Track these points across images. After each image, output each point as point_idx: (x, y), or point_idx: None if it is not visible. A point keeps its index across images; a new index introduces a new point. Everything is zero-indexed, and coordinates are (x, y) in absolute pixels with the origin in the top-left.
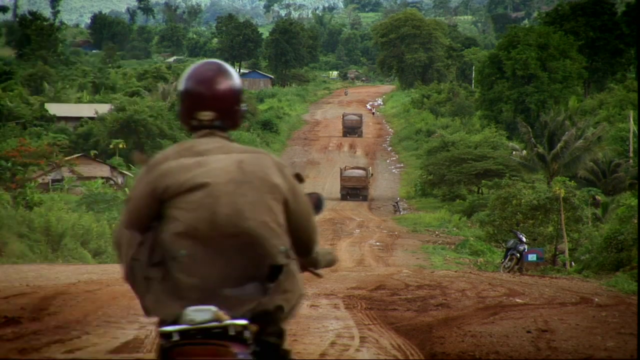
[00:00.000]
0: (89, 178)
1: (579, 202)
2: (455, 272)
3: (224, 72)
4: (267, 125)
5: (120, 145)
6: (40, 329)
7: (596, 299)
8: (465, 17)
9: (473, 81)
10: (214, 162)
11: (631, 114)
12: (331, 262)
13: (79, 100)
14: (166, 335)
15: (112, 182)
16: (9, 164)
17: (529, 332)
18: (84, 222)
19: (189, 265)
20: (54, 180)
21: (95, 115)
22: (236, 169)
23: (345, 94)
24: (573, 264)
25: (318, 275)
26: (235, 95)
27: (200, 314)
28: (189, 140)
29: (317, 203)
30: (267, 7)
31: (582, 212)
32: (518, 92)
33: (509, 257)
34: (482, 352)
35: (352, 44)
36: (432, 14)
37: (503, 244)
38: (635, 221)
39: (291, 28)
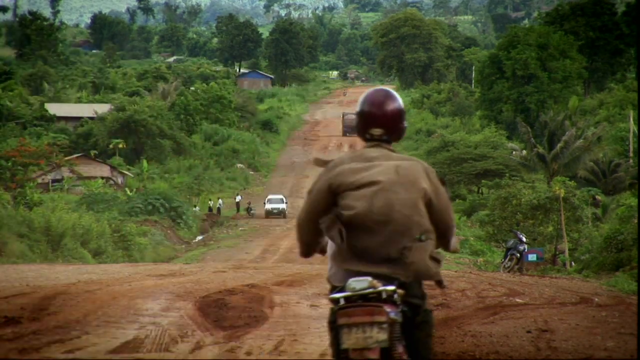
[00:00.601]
0: (89, 178)
1: (579, 202)
2: (455, 272)
3: (391, 97)
4: (267, 125)
5: (120, 145)
6: (40, 328)
7: (596, 299)
8: (465, 17)
9: (473, 81)
10: (377, 166)
11: (631, 113)
12: (456, 250)
13: (79, 100)
14: (334, 301)
15: (112, 182)
16: (9, 164)
17: (529, 332)
18: (84, 222)
19: (352, 244)
20: (54, 180)
21: (95, 115)
22: (394, 172)
23: (344, 95)
24: (573, 263)
25: (451, 252)
26: (400, 115)
27: (359, 283)
28: (361, 149)
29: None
30: (267, 7)
31: (582, 212)
32: (518, 92)
33: (509, 257)
34: (482, 352)
35: (352, 44)
36: (432, 14)
37: (503, 244)
38: (635, 221)
39: (291, 28)
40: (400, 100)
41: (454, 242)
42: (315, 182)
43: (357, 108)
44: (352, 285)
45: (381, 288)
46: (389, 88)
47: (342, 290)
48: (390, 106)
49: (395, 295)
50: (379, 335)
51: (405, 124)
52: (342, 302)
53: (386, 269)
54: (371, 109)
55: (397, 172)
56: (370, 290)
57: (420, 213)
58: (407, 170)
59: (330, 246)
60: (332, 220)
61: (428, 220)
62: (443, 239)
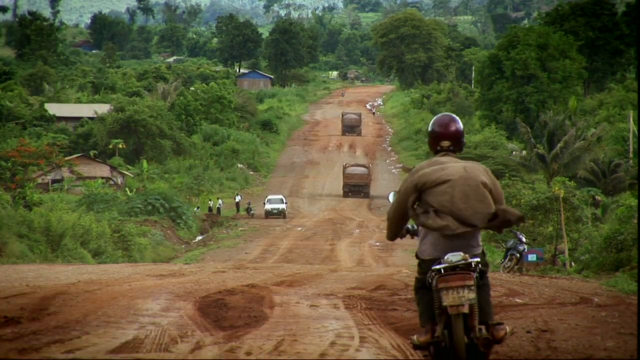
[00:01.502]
0: (88, 178)
1: (579, 202)
2: None
3: (454, 120)
4: (267, 125)
5: (120, 146)
6: (40, 329)
7: (596, 299)
8: (465, 17)
9: (473, 81)
10: (451, 168)
11: (631, 114)
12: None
13: (79, 101)
14: (436, 271)
15: (112, 182)
16: (9, 164)
17: (528, 332)
18: (83, 222)
19: (439, 228)
20: (53, 181)
21: (95, 116)
22: (463, 171)
23: (342, 95)
24: (573, 264)
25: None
26: (461, 133)
27: (455, 257)
28: (435, 157)
29: None
30: (267, 7)
31: (581, 212)
32: (518, 92)
33: (508, 257)
34: None
35: (352, 44)
36: (431, 14)
37: (503, 244)
38: (635, 221)
39: (291, 28)
40: (460, 122)
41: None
42: (402, 184)
43: (429, 128)
44: (450, 258)
45: (470, 260)
46: (451, 114)
47: (438, 262)
48: (454, 127)
49: (478, 265)
50: (469, 295)
51: (465, 139)
52: (442, 271)
53: (468, 245)
54: (440, 129)
55: (466, 171)
56: (463, 262)
57: (486, 200)
58: (473, 169)
59: (421, 230)
60: (423, 209)
61: (492, 205)
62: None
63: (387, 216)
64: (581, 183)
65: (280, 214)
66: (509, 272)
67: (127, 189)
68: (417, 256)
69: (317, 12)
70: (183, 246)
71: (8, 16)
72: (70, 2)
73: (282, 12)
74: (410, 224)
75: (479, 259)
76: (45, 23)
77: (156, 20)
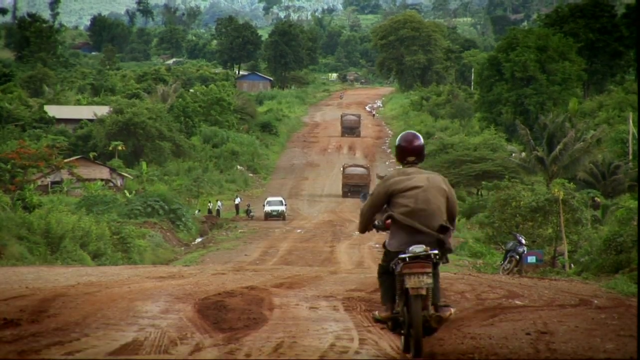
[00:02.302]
0: (88, 180)
1: (578, 204)
2: (455, 274)
3: (417, 137)
4: (267, 127)
5: (120, 147)
6: (40, 331)
7: (595, 301)
8: (465, 19)
9: (472, 83)
10: (416, 178)
11: (630, 115)
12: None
13: (78, 103)
14: (402, 259)
15: (111, 184)
16: (9, 166)
17: (528, 334)
18: (83, 224)
19: (405, 226)
20: (53, 183)
21: (95, 118)
22: (426, 180)
23: (341, 98)
24: (572, 265)
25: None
26: (422, 147)
27: (418, 248)
28: (402, 168)
29: None
30: (267, 9)
31: (581, 214)
32: (517, 94)
33: (508, 259)
34: (481, 354)
35: (352, 46)
36: (431, 16)
37: (502, 246)
38: (635, 223)
39: (290, 30)
40: (421, 138)
41: (455, 224)
42: (375, 188)
43: (396, 143)
44: (413, 249)
45: (430, 252)
46: (415, 132)
47: (403, 253)
48: (417, 142)
49: (437, 257)
50: (427, 280)
51: (425, 152)
52: (407, 259)
53: (429, 241)
54: (406, 144)
55: (429, 180)
56: (424, 253)
57: (443, 206)
58: (434, 179)
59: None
60: (387, 216)
61: (445, 213)
62: (452, 221)
63: (361, 212)
64: (581, 185)
65: (280, 215)
66: (508, 274)
67: (126, 190)
68: (384, 246)
69: (316, 14)
70: (182, 248)
71: (7, 18)
72: (69, 4)
73: (282, 14)
74: (377, 221)
75: (437, 252)
76: (44, 25)
77: (155, 22)
